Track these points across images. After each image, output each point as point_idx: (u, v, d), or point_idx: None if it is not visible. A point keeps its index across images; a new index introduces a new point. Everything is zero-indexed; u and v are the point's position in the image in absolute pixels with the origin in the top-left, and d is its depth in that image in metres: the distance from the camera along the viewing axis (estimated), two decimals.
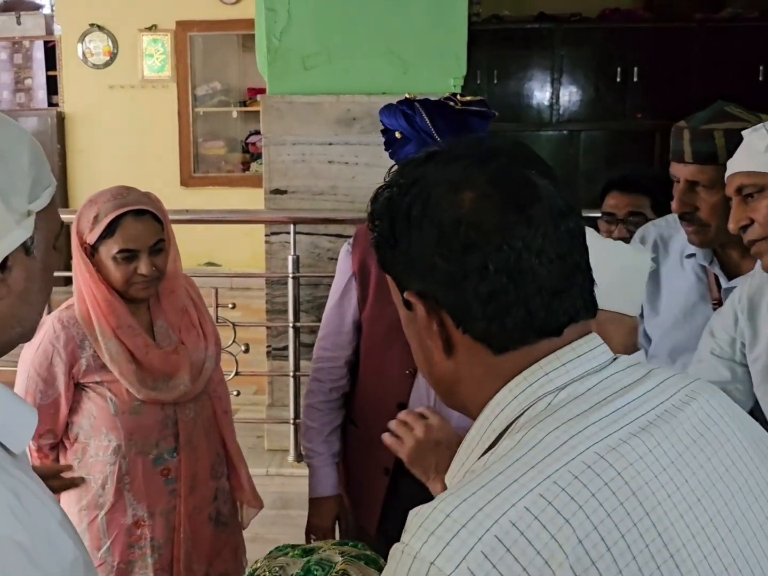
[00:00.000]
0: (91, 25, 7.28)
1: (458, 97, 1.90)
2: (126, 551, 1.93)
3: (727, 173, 1.60)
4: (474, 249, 0.79)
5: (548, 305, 0.80)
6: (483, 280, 0.79)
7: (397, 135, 1.93)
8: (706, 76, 5.79)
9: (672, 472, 0.77)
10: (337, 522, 2.10)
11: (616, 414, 0.78)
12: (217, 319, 3.03)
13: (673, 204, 1.78)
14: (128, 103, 7.35)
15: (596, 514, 0.71)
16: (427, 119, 1.85)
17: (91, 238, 1.84)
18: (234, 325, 3.08)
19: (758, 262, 1.63)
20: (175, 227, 5.89)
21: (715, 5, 6.16)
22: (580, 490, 0.71)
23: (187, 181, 7.44)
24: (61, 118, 7.47)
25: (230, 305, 3.04)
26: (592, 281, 0.85)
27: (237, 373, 3.13)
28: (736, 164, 1.58)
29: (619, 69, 6.06)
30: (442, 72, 3.09)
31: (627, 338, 1.26)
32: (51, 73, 7.56)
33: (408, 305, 0.86)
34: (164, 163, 7.34)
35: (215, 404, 2.07)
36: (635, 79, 6.03)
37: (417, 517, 0.73)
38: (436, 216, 0.80)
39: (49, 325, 1.90)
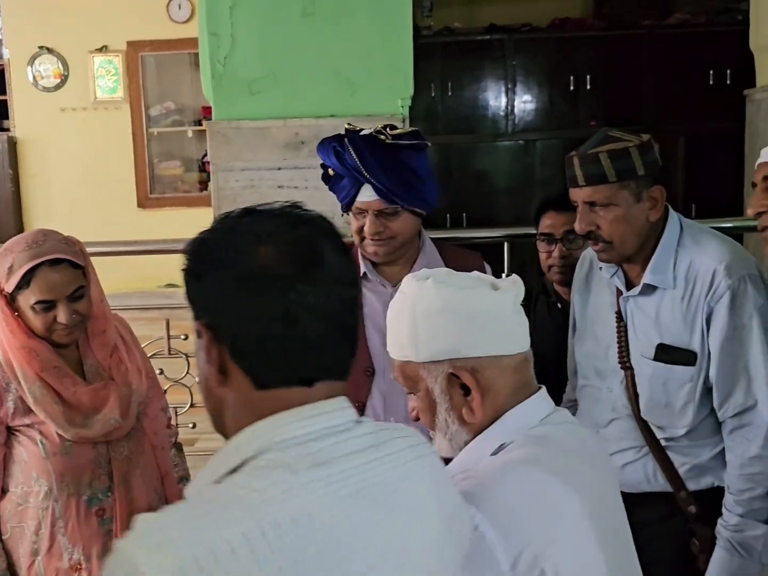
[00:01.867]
0: (41, 47, 7.17)
1: (388, 129, 1.88)
2: None
3: (759, 160, 1.76)
4: (258, 295, 0.91)
5: (306, 356, 0.93)
6: (259, 322, 0.91)
7: (330, 172, 1.93)
8: (658, 81, 5.84)
9: (368, 535, 0.89)
10: None
11: (335, 476, 0.89)
12: (169, 350, 2.98)
13: (575, 225, 1.89)
14: (81, 126, 7.24)
15: (286, 563, 0.81)
16: (355, 156, 1.84)
17: (8, 288, 1.82)
18: (187, 356, 3.02)
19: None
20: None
21: (663, 12, 6.21)
22: (279, 538, 0.81)
23: (144, 202, 7.34)
24: (12, 143, 7.34)
25: (182, 336, 2.99)
26: (353, 350, 1.00)
27: (192, 405, 3.07)
28: (766, 154, 1.74)
29: (571, 77, 6.09)
30: (389, 93, 3.08)
31: (510, 379, 1.22)
32: (1, 97, 7.43)
33: (198, 333, 0.96)
34: (120, 186, 7.24)
35: (151, 440, 2.03)
36: (588, 87, 6.06)
37: (141, 522, 0.84)
38: (236, 261, 0.92)
39: None
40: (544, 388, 1.27)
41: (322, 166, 1.96)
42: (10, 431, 1.87)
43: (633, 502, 1.90)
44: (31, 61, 7.20)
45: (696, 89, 5.73)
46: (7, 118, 7.44)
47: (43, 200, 7.35)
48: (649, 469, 1.90)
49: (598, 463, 1.27)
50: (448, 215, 6.32)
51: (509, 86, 6.23)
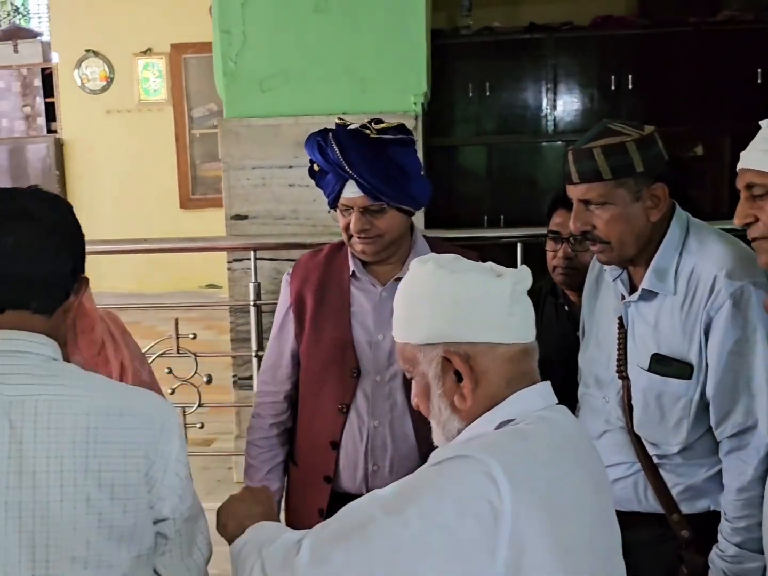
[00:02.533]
0: (87, 50, 7.33)
1: (373, 124, 1.82)
2: None
3: (739, 165, 1.57)
4: None
5: None
6: None
7: (315, 168, 1.88)
8: (703, 80, 5.66)
9: None
10: None
11: None
12: (177, 350, 2.96)
13: (571, 225, 1.76)
14: (125, 127, 7.38)
15: None
16: (338, 151, 1.79)
17: None
18: (195, 355, 3.01)
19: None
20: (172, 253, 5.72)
21: (710, 9, 6.02)
22: None
23: (186, 203, 7.44)
24: (59, 145, 7.51)
25: (191, 335, 2.97)
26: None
27: (200, 405, 3.06)
28: (748, 159, 1.54)
29: (613, 77, 5.93)
30: (401, 89, 3.02)
31: (504, 368, 1.19)
32: (49, 100, 7.61)
33: None
34: (163, 186, 7.35)
35: None
36: (630, 86, 5.90)
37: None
38: None
39: None
40: (548, 383, 1.24)
41: (310, 161, 1.92)
42: None
43: (622, 521, 1.80)
44: (78, 64, 7.36)
45: (743, 88, 5.53)
46: (54, 120, 7.62)
47: (88, 200, 7.49)
48: (640, 487, 1.77)
49: (588, 467, 1.24)
50: (486, 217, 6.24)
51: (549, 86, 6.11)
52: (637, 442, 1.76)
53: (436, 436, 1.26)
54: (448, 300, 1.18)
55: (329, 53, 3.03)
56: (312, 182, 3.12)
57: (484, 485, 1.06)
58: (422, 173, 1.93)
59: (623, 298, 1.81)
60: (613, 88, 5.94)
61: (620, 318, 1.80)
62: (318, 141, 1.85)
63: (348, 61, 3.04)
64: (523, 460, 1.11)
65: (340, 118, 1.89)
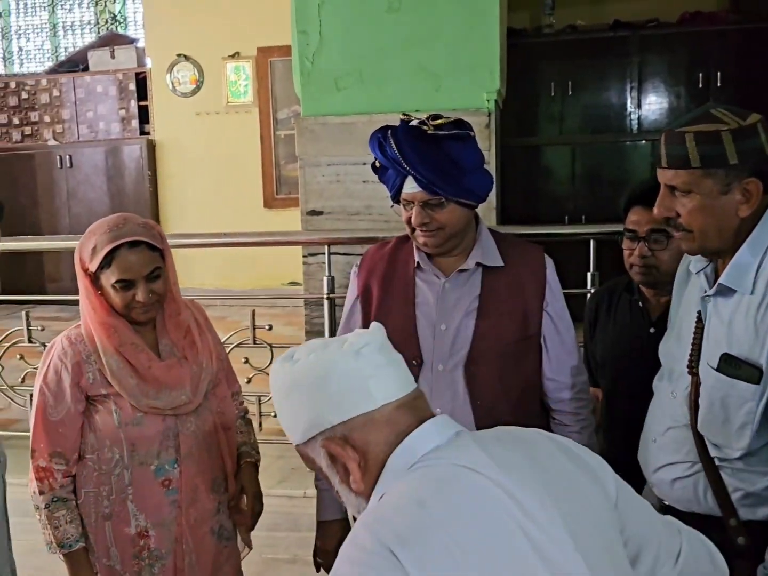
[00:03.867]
0: (179, 55, 7.57)
1: (431, 120, 1.85)
2: (131, 561, 1.98)
3: None
4: None
5: None
6: None
7: (377, 164, 1.92)
8: None
9: None
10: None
11: None
12: (254, 340, 3.06)
13: (654, 209, 1.69)
14: (214, 129, 7.59)
15: None
16: (395, 148, 1.82)
17: (92, 267, 1.92)
18: (271, 346, 3.10)
19: None
20: (256, 250, 6.01)
21: None
22: None
23: (270, 202, 7.60)
24: (152, 146, 7.79)
25: (267, 326, 3.06)
26: None
27: None
28: None
29: (701, 74, 5.81)
30: (475, 87, 3.03)
31: (386, 432, 1.15)
32: (142, 103, 7.89)
33: None
34: (248, 186, 7.54)
35: (216, 419, 2.09)
36: (718, 84, 5.77)
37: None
38: None
39: (58, 342, 2.01)
40: (432, 419, 1.17)
41: (374, 157, 1.96)
42: (89, 401, 1.98)
43: (682, 520, 1.77)
44: (170, 68, 7.61)
45: None
46: (147, 122, 7.89)
47: (177, 199, 7.75)
48: (699, 488, 1.72)
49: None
50: (566, 217, 6.18)
51: (633, 84, 6.02)
52: (699, 442, 1.71)
53: (355, 514, 1.20)
54: (302, 392, 1.16)
55: (403, 52, 3.08)
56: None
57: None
58: (483, 167, 1.95)
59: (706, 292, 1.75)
60: (700, 85, 5.81)
61: (699, 312, 1.74)
62: (378, 138, 1.89)
63: (421, 59, 3.07)
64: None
65: (405, 114, 1.93)
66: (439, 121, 1.85)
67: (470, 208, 1.94)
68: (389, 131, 1.87)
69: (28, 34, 9.20)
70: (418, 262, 1.97)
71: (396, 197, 1.95)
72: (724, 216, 1.61)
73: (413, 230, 1.94)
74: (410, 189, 1.87)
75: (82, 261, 1.95)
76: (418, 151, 1.82)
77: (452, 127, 1.86)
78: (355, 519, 1.16)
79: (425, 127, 1.85)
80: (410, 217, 1.92)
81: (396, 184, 1.90)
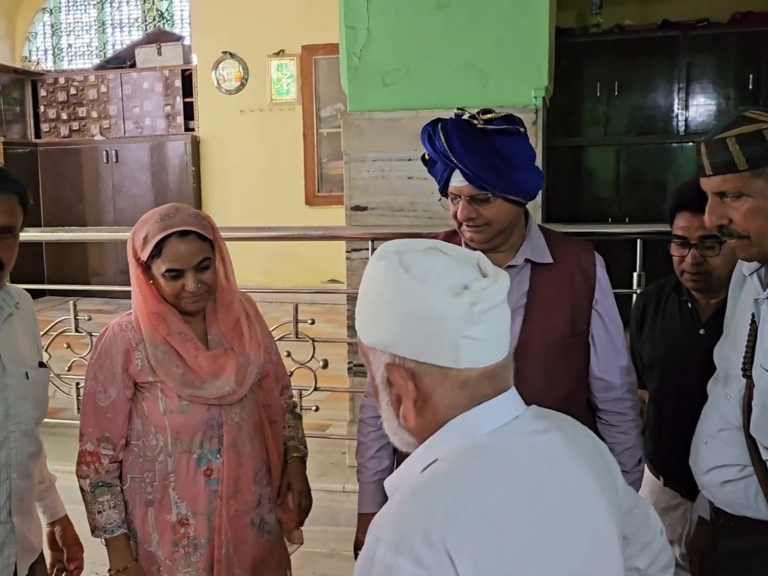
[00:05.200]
0: (224, 52, 7.63)
1: (481, 115, 1.84)
2: (171, 548, 1.99)
3: None
4: None
5: None
6: None
7: (426, 156, 1.91)
8: None
9: None
10: None
11: None
12: (296, 334, 3.07)
13: (705, 219, 1.66)
14: (257, 126, 7.64)
15: None
16: (444, 141, 1.81)
17: (143, 256, 1.94)
18: (313, 340, 3.10)
19: None
20: (298, 245, 6.09)
21: None
22: None
23: (311, 200, 7.63)
24: (196, 142, 7.87)
25: (309, 321, 3.07)
26: None
27: (316, 388, 3.15)
28: None
29: (751, 75, 5.71)
30: (522, 83, 3.01)
31: (454, 394, 1.05)
32: (188, 99, 7.97)
33: None
34: (290, 183, 7.57)
35: (262, 412, 2.09)
36: None
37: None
38: None
39: (109, 329, 2.03)
40: (508, 391, 1.09)
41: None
42: (137, 387, 1.99)
43: (732, 524, 1.74)
44: (216, 65, 7.68)
45: None
46: (192, 119, 7.97)
47: (220, 195, 7.82)
48: (751, 492, 1.70)
49: (561, 487, 1.06)
50: (609, 219, 6.12)
51: (681, 85, 5.93)
52: (752, 444, 1.68)
53: (391, 439, 1.14)
54: (396, 310, 1.04)
55: (450, 47, 3.06)
56: (430, 175, 3.17)
57: None
58: (533, 164, 1.92)
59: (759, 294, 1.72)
60: (750, 87, 5.72)
61: (753, 315, 1.72)
62: (428, 130, 1.88)
63: (469, 55, 3.05)
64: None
65: (459, 108, 1.92)
66: (489, 116, 1.83)
67: (518, 205, 1.91)
68: (439, 124, 1.86)
69: (77, 30, 9.35)
70: None
71: (444, 190, 1.93)
72: None
73: (460, 225, 1.92)
74: (457, 183, 1.86)
75: (134, 250, 1.97)
76: (466, 145, 1.80)
77: (502, 122, 1.84)
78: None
79: (475, 121, 1.83)
80: (457, 212, 1.90)
81: (444, 177, 1.89)
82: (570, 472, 1.07)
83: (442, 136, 1.83)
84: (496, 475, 1.01)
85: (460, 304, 1.02)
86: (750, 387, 1.69)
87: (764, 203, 1.58)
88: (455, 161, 1.81)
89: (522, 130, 1.86)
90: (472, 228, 1.88)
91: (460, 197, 1.87)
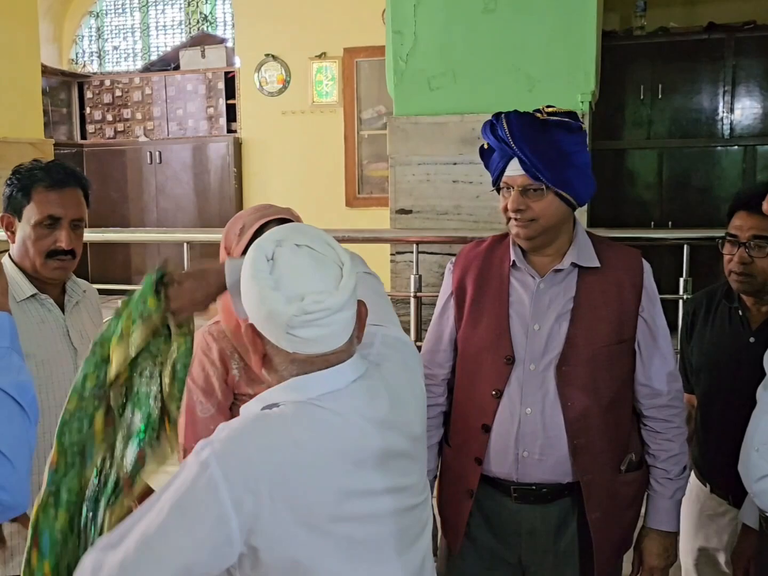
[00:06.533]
0: (267, 55, 7.70)
1: (545, 108, 1.86)
2: None
3: None
4: None
5: None
6: None
7: (485, 145, 1.92)
8: None
9: None
10: None
11: None
12: None
13: (764, 203, 1.65)
14: (299, 128, 7.70)
15: None
16: (506, 128, 1.83)
17: (237, 251, 1.89)
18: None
19: None
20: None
21: None
22: None
23: (351, 201, 7.67)
24: (238, 144, 7.95)
25: None
26: None
27: None
28: None
29: None
30: (569, 88, 3.01)
31: (286, 365, 1.30)
32: (230, 101, 8.05)
33: None
34: (330, 185, 7.62)
35: None
36: None
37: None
38: None
39: (200, 338, 1.95)
40: (344, 363, 1.28)
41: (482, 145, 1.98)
42: (235, 398, 1.93)
43: None
44: (258, 68, 7.76)
45: None
46: (234, 120, 8.06)
47: (261, 196, 7.88)
48: None
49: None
50: (652, 223, 6.07)
51: (726, 88, 5.87)
52: None
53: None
54: (249, 295, 1.28)
55: (497, 52, 3.07)
56: (475, 179, 3.18)
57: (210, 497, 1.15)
58: (589, 169, 1.93)
59: None
60: None
61: None
62: (491, 120, 1.91)
63: (515, 59, 3.06)
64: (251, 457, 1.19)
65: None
66: (552, 109, 1.86)
67: (568, 205, 1.92)
68: (503, 113, 1.89)
69: (123, 33, 9.50)
70: (513, 261, 1.96)
71: (497, 182, 1.94)
72: None
73: (508, 220, 1.92)
74: (512, 172, 1.86)
75: (227, 248, 1.90)
76: (526, 133, 1.83)
77: (564, 116, 1.86)
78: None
79: (539, 114, 1.86)
80: (507, 205, 1.90)
81: (499, 167, 1.89)
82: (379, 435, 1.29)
83: (504, 123, 1.85)
84: (315, 429, 1.23)
85: (287, 312, 1.23)
86: None
87: None
88: (514, 147, 1.83)
89: (583, 126, 1.88)
90: (520, 222, 1.88)
91: (512, 189, 1.88)
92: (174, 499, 1.16)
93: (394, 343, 1.43)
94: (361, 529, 1.25)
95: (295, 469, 1.19)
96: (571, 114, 1.89)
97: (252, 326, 1.29)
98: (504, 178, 1.89)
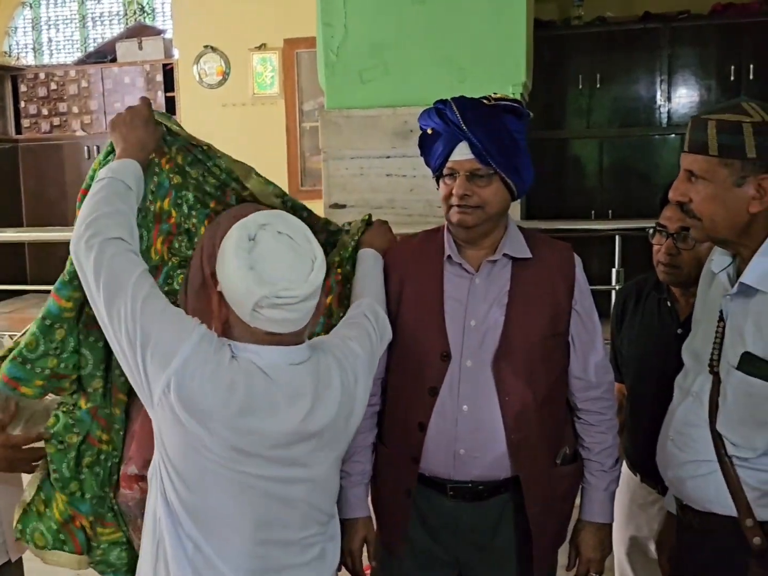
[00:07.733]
0: (205, 46, 7.58)
1: (492, 95, 1.85)
2: None
3: None
4: None
5: None
6: None
7: (429, 131, 1.89)
8: None
9: None
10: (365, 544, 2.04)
11: None
12: None
13: (670, 193, 1.68)
14: (239, 121, 7.60)
15: None
16: (457, 111, 1.81)
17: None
18: None
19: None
20: None
21: None
22: None
23: (295, 194, 7.55)
24: None
25: None
26: None
27: None
28: None
29: (732, 67, 5.73)
30: (500, 79, 2.99)
31: (244, 335, 1.53)
32: (169, 94, 7.92)
33: None
34: (273, 177, 7.48)
35: None
36: (751, 77, 5.69)
37: None
38: None
39: None
40: (288, 347, 1.51)
41: (420, 128, 1.93)
42: None
43: (698, 520, 1.73)
44: (197, 59, 7.63)
45: None
46: (174, 113, 7.91)
47: None
48: (716, 487, 1.70)
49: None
50: (593, 211, 6.13)
51: (663, 77, 5.95)
52: (718, 441, 1.69)
53: None
54: (226, 270, 1.47)
55: (428, 44, 3.05)
56: (408, 172, 3.15)
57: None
58: (529, 158, 1.92)
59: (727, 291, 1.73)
60: (732, 78, 5.73)
61: (721, 312, 1.72)
62: (437, 106, 1.89)
63: (447, 51, 3.04)
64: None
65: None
66: (499, 95, 1.86)
67: (510, 194, 1.90)
68: (450, 98, 1.87)
69: (58, 25, 9.27)
70: (449, 255, 1.93)
71: (439, 169, 1.90)
72: (734, 209, 1.61)
73: (449, 208, 1.89)
74: (459, 156, 1.83)
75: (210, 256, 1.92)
76: (478, 117, 1.81)
77: (513, 102, 1.86)
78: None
79: (485, 101, 1.85)
80: (450, 192, 1.87)
81: (444, 152, 1.85)
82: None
83: (454, 107, 1.83)
84: (251, 385, 1.47)
85: (258, 292, 1.43)
86: (716, 384, 1.70)
87: (722, 193, 1.60)
88: (466, 130, 1.80)
89: (531, 115, 1.88)
90: (463, 209, 1.85)
91: (457, 174, 1.84)
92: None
93: (348, 355, 1.65)
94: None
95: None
96: (518, 102, 1.88)
97: (221, 294, 1.48)
98: (449, 164, 1.85)
